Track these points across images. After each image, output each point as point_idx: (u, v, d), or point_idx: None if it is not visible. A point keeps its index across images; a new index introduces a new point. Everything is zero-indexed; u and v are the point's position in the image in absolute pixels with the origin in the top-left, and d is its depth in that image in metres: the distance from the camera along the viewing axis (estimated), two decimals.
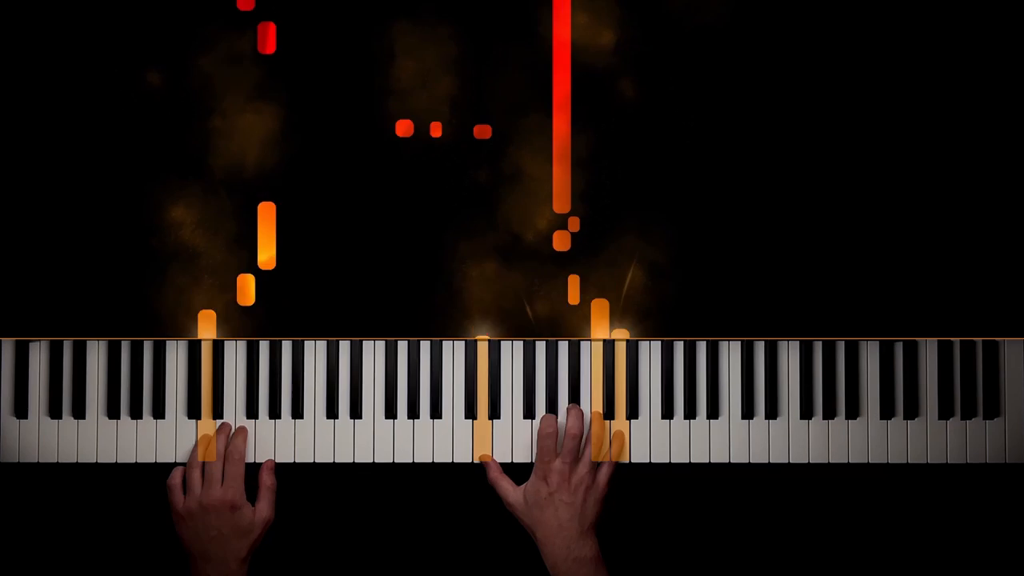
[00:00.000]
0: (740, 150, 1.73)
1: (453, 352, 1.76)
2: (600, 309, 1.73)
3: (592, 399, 1.75)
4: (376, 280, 1.72)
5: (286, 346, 1.75)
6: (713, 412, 1.75)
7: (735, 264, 1.72)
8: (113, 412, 1.74)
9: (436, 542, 1.84)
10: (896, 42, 1.72)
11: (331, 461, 1.75)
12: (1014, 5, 1.72)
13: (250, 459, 1.74)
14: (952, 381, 1.75)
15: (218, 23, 1.72)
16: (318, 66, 1.72)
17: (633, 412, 1.75)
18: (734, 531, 1.84)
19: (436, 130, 1.72)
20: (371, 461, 1.75)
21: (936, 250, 1.72)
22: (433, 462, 1.75)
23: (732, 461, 1.75)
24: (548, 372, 1.75)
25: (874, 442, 1.75)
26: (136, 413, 1.74)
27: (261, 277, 1.72)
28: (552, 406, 1.75)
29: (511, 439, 1.75)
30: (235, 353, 1.75)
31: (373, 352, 1.76)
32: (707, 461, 1.75)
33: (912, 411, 1.75)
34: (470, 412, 1.75)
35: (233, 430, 1.74)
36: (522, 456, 1.75)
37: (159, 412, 1.74)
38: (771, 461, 1.75)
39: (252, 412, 1.75)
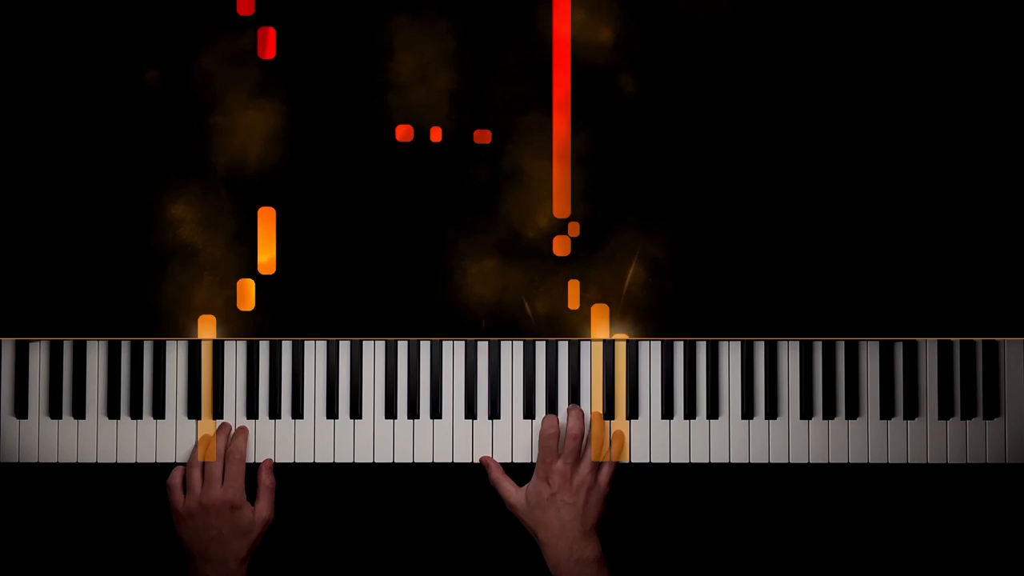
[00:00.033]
0: (740, 150, 1.72)
1: (453, 352, 1.76)
2: (600, 313, 1.73)
3: (592, 399, 1.75)
4: (376, 280, 1.72)
5: (286, 346, 1.75)
6: (713, 412, 1.75)
7: (735, 264, 1.72)
8: (113, 412, 1.74)
9: (436, 542, 1.84)
10: (897, 42, 1.72)
11: (331, 461, 1.75)
12: (1014, 5, 1.72)
13: (250, 459, 1.74)
14: (952, 381, 1.75)
15: (218, 27, 1.71)
16: (318, 70, 1.72)
17: (633, 412, 1.75)
18: (734, 531, 1.84)
19: (436, 134, 1.72)
20: (371, 461, 1.75)
21: (936, 250, 1.72)
22: (433, 462, 1.75)
23: (732, 461, 1.75)
24: (548, 372, 1.75)
25: (874, 442, 1.75)
26: (136, 413, 1.74)
27: (261, 278, 1.72)
28: (552, 406, 1.75)
29: (511, 439, 1.75)
30: (235, 353, 1.75)
31: (373, 352, 1.76)
32: (707, 461, 1.75)
33: (912, 411, 1.75)
34: (470, 412, 1.75)
35: (233, 430, 1.74)
36: (522, 456, 1.75)
37: (159, 412, 1.74)
38: (771, 461, 1.75)
39: (252, 412, 1.75)
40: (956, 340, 1.75)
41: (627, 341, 1.75)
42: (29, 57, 1.71)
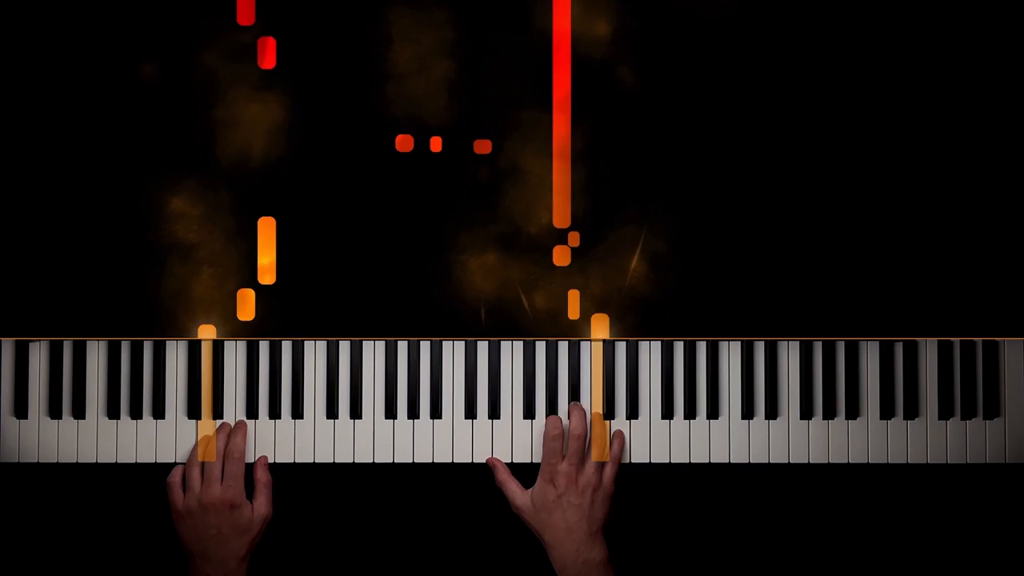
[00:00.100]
0: (740, 151, 1.72)
1: (453, 352, 1.76)
2: (600, 324, 1.73)
3: (592, 399, 1.75)
4: (375, 281, 1.72)
5: (286, 346, 1.75)
6: (713, 412, 1.75)
7: (735, 263, 1.72)
8: (113, 412, 1.74)
9: (436, 542, 1.84)
10: (897, 42, 1.72)
11: (331, 461, 1.75)
12: (1014, 5, 1.72)
13: (250, 459, 1.74)
14: (952, 381, 1.75)
15: (218, 37, 1.71)
16: (318, 79, 1.72)
17: (633, 412, 1.75)
18: (734, 531, 1.84)
19: (436, 144, 1.72)
20: (371, 461, 1.75)
21: (936, 250, 1.72)
22: (433, 462, 1.75)
23: (732, 461, 1.75)
24: (548, 372, 1.75)
25: (874, 442, 1.75)
26: (136, 413, 1.74)
27: (261, 285, 1.72)
28: (552, 406, 1.75)
29: (511, 439, 1.75)
30: (235, 353, 1.75)
31: (373, 352, 1.76)
32: (707, 461, 1.75)
33: (912, 411, 1.75)
34: (470, 412, 1.75)
35: (233, 427, 1.74)
36: (522, 456, 1.75)
37: (159, 412, 1.74)
38: (771, 461, 1.75)
39: (252, 412, 1.75)
40: (956, 340, 1.75)
41: (627, 341, 1.75)
42: (32, 76, 1.71)
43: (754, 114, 1.72)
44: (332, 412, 1.74)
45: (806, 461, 1.75)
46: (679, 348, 1.76)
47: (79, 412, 1.74)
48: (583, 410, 1.73)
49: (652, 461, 1.75)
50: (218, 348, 1.75)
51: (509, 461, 1.75)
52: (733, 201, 1.72)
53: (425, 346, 1.75)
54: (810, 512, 1.84)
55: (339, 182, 1.72)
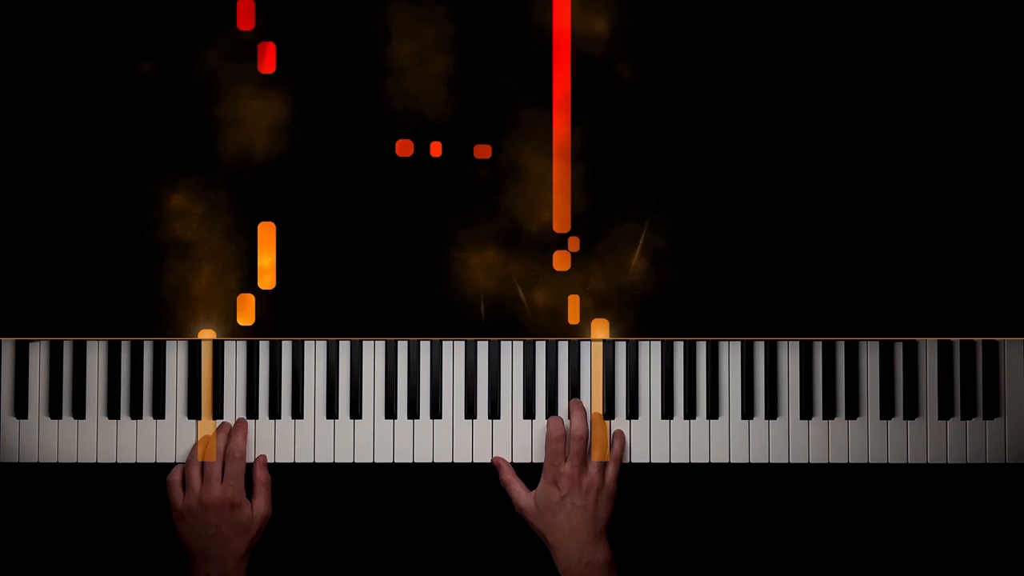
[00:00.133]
0: (740, 151, 1.72)
1: (453, 352, 1.76)
2: (600, 324, 1.73)
3: (592, 399, 1.75)
4: (376, 280, 1.72)
5: (286, 346, 1.75)
6: (713, 412, 1.75)
7: (735, 264, 1.72)
8: (113, 412, 1.74)
9: (436, 542, 1.84)
10: (898, 41, 1.72)
11: (331, 461, 1.75)
12: (1014, 5, 1.72)
13: (250, 459, 1.74)
14: (952, 381, 1.75)
15: (218, 42, 1.72)
16: (318, 84, 1.72)
17: (633, 412, 1.75)
18: (734, 531, 1.84)
19: (436, 149, 1.72)
20: (371, 461, 1.75)
21: (936, 250, 1.72)
22: (433, 462, 1.75)
23: (732, 461, 1.75)
24: (548, 372, 1.75)
25: (874, 442, 1.75)
26: (136, 413, 1.74)
27: (262, 283, 1.72)
28: (552, 406, 1.75)
29: (511, 439, 1.75)
30: (235, 353, 1.75)
31: (373, 352, 1.76)
32: (707, 461, 1.75)
33: (912, 411, 1.75)
34: (470, 412, 1.75)
35: (233, 425, 1.74)
36: (522, 456, 1.75)
37: (159, 412, 1.74)
38: (771, 461, 1.75)
39: (252, 412, 1.75)
40: (956, 340, 1.75)
41: (627, 341, 1.75)
42: (35, 81, 1.71)
43: (754, 113, 1.72)
44: (332, 412, 1.74)
45: (806, 461, 1.75)
46: (679, 348, 1.76)
47: (79, 412, 1.74)
48: (584, 410, 1.73)
49: (652, 461, 1.75)
50: (218, 348, 1.75)
51: (509, 461, 1.75)
52: (734, 201, 1.72)
53: (425, 346, 1.75)
54: (810, 512, 1.84)
55: (339, 185, 1.72)
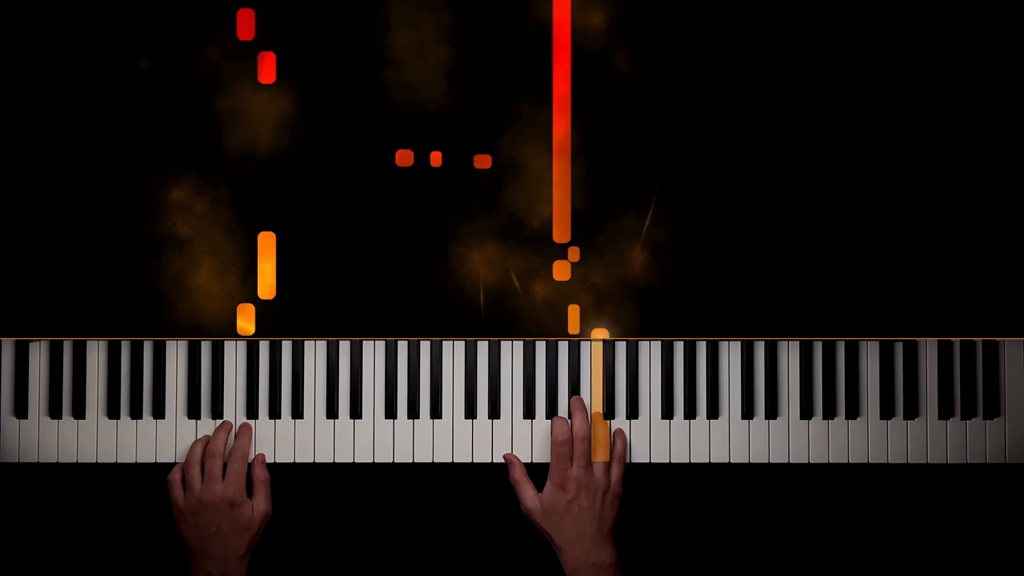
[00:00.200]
0: (739, 151, 1.72)
1: (453, 352, 1.76)
2: (600, 334, 1.73)
3: (592, 399, 1.75)
4: (376, 280, 1.72)
5: (286, 346, 1.75)
6: (713, 412, 1.75)
7: (735, 264, 1.72)
8: (113, 412, 1.74)
9: (436, 542, 1.84)
10: (898, 41, 1.72)
11: (331, 461, 1.75)
12: (1014, 5, 1.72)
13: (251, 459, 1.74)
14: (952, 381, 1.75)
15: (218, 51, 1.72)
16: (319, 90, 1.73)
17: (633, 412, 1.75)
18: (734, 531, 1.84)
19: (436, 159, 1.72)
20: (371, 461, 1.75)
21: (936, 250, 1.72)
22: (433, 462, 1.75)
23: (732, 461, 1.75)
24: (548, 372, 1.75)
25: (874, 442, 1.75)
26: (136, 413, 1.74)
27: (262, 292, 1.72)
28: (552, 406, 1.75)
29: (511, 439, 1.75)
30: (235, 353, 1.75)
31: (373, 352, 1.76)
32: (707, 461, 1.75)
33: (912, 411, 1.75)
34: (470, 412, 1.75)
35: (235, 430, 1.74)
36: (522, 456, 1.75)
37: (159, 412, 1.74)
38: (771, 461, 1.75)
39: (252, 412, 1.75)
40: (956, 340, 1.75)
41: (627, 341, 1.75)
42: (36, 84, 1.72)
43: (754, 112, 1.72)
44: (332, 412, 1.74)
45: (806, 461, 1.75)
46: (679, 348, 1.76)
47: (79, 412, 1.74)
48: (585, 409, 1.73)
49: (652, 461, 1.75)
50: (218, 348, 1.75)
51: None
52: (734, 201, 1.72)
53: (425, 346, 1.75)
54: (810, 512, 1.83)
55: (339, 190, 1.72)
